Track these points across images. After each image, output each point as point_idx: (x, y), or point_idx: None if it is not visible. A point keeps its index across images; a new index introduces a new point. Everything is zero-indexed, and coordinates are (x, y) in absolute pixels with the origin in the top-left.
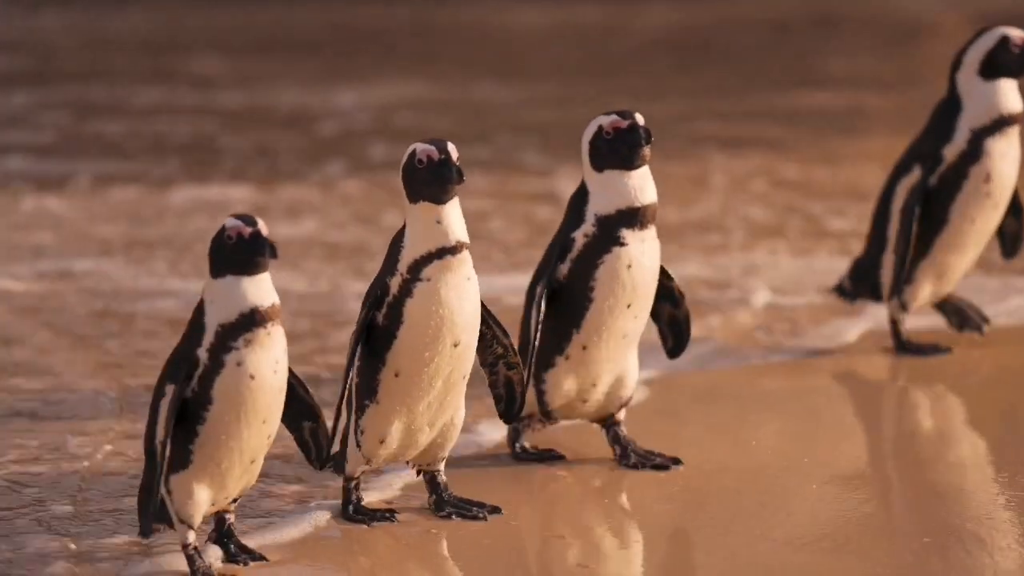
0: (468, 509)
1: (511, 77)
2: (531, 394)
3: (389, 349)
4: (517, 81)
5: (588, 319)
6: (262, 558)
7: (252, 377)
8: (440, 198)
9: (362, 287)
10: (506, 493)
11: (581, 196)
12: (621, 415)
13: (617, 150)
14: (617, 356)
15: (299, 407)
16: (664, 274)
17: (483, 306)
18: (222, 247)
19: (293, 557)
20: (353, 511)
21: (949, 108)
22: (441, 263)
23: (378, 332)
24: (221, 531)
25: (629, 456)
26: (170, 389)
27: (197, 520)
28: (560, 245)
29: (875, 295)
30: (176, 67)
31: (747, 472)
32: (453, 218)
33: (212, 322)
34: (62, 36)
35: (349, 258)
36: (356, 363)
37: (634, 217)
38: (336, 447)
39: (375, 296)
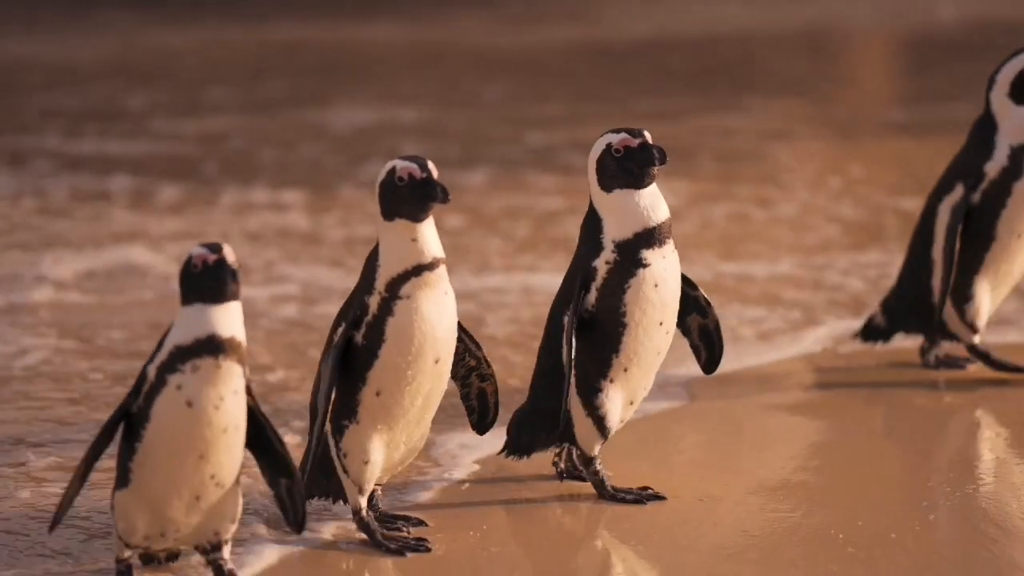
0: (394, 522)
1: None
2: (584, 427)
3: (370, 368)
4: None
5: (626, 343)
6: None
7: (189, 404)
8: (418, 216)
9: None
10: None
11: (594, 221)
12: None
13: (627, 169)
14: (651, 374)
15: (274, 462)
16: (688, 284)
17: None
18: (189, 275)
19: None
20: (382, 539)
21: (986, 126)
22: (419, 279)
23: (357, 352)
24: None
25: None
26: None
27: (133, 540)
28: (582, 275)
29: (922, 324)
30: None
31: (671, 483)
32: (429, 235)
33: (169, 342)
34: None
35: None
36: (327, 385)
37: (652, 237)
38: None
39: (353, 316)
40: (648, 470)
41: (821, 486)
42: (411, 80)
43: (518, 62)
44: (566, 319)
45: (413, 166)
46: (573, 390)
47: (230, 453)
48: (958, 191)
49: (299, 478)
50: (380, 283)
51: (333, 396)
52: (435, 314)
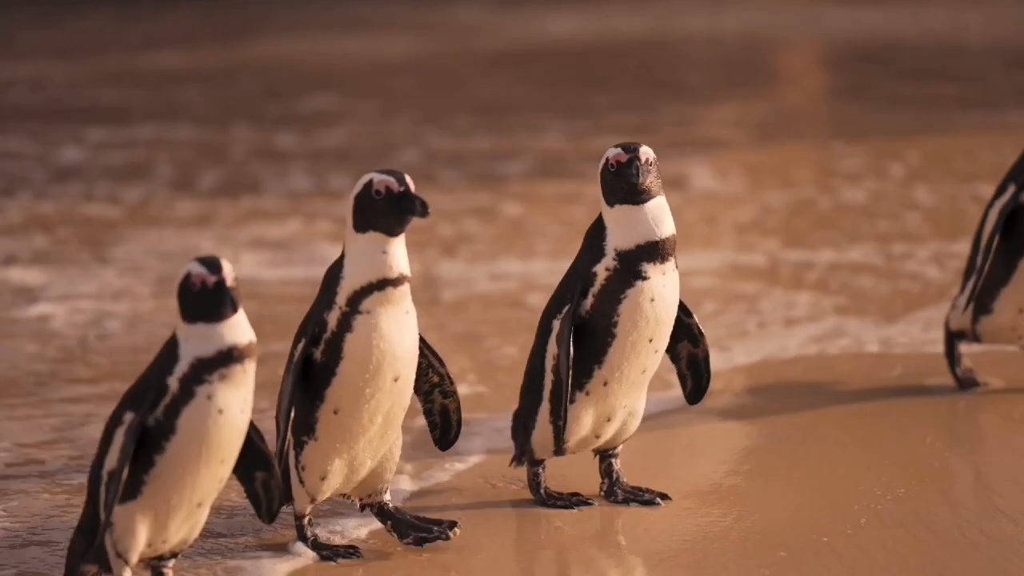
0: (428, 531)
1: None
2: (544, 432)
3: (328, 386)
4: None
5: (611, 354)
6: None
7: (220, 412)
8: (395, 230)
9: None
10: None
11: (599, 229)
12: (619, 448)
13: (620, 185)
14: (634, 392)
15: (253, 455)
16: (684, 310)
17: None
18: (188, 294)
19: None
20: (313, 546)
21: None
22: (382, 295)
23: (315, 368)
24: None
25: (616, 492)
26: (129, 416)
27: (134, 558)
28: (582, 280)
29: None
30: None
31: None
32: (399, 251)
33: (187, 354)
34: None
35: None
36: (287, 402)
37: (654, 251)
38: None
39: (312, 332)
40: (581, 472)
41: (753, 491)
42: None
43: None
44: (556, 322)
45: (391, 179)
46: (548, 394)
47: (238, 451)
48: (1008, 192)
49: (277, 472)
50: (341, 297)
51: (293, 414)
52: (395, 332)
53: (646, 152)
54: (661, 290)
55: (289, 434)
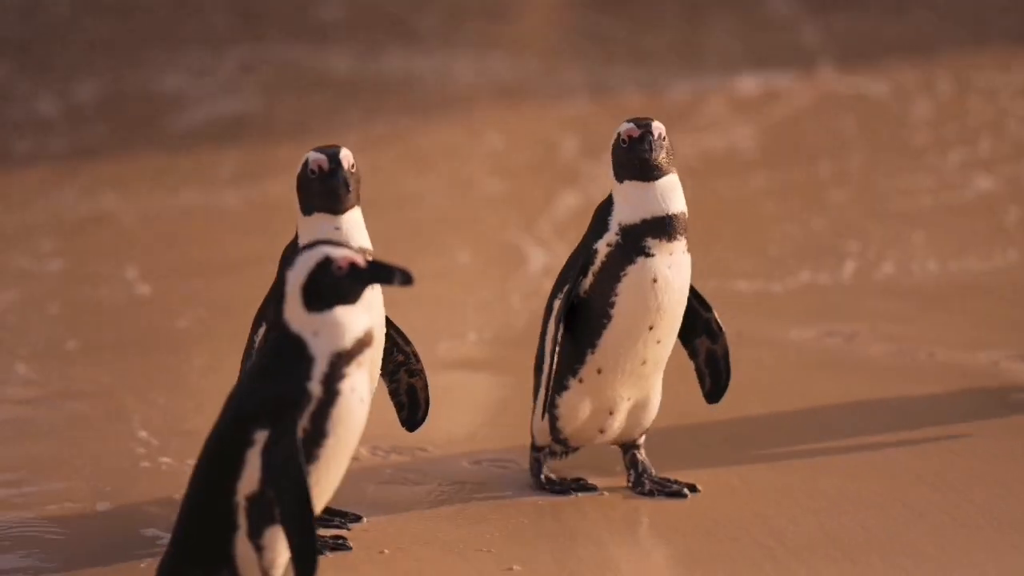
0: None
1: None
2: (544, 421)
3: None
4: None
5: (606, 338)
6: None
7: (362, 401)
8: (335, 208)
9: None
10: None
11: (607, 206)
12: (642, 439)
13: (631, 160)
14: (636, 384)
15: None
16: (702, 304)
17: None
18: (327, 280)
19: None
20: None
21: None
22: None
23: None
24: None
25: (643, 483)
26: (263, 435)
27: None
28: (583, 257)
29: None
30: None
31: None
32: (352, 225)
33: (325, 352)
34: None
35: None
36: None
37: (661, 227)
38: None
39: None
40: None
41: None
42: None
43: None
44: (557, 301)
45: (322, 157)
46: (545, 377)
47: None
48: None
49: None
50: None
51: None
52: (359, 310)
53: (658, 127)
54: (666, 271)
55: None
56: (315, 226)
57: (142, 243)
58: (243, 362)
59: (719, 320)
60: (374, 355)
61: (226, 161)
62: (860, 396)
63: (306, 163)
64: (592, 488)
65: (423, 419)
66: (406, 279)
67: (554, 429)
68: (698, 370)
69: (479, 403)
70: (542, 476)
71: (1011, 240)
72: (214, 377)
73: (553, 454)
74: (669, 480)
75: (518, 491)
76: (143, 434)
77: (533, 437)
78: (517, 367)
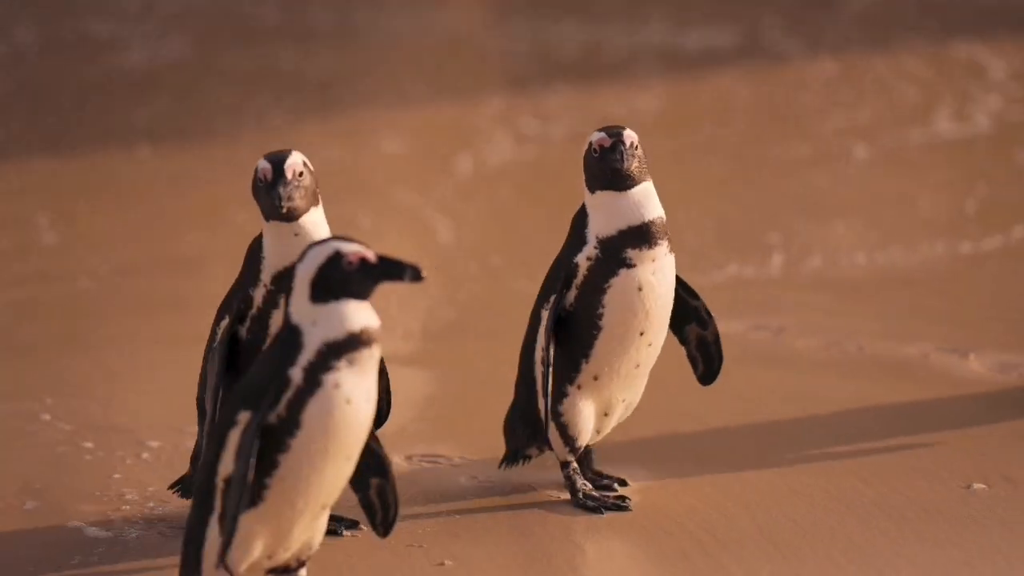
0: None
1: None
2: (553, 431)
3: (253, 360)
4: None
5: (598, 348)
6: None
7: (348, 402)
8: (286, 218)
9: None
10: None
11: (582, 217)
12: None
13: (603, 171)
14: (630, 385)
15: (368, 458)
16: (690, 293)
17: None
18: (332, 274)
19: None
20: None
21: None
22: None
23: (241, 346)
24: None
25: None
26: (246, 416)
27: (241, 570)
28: (564, 271)
29: None
30: None
31: None
32: (311, 228)
33: (314, 341)
34: None
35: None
36: (214, 381)
37: (639, 236)
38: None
39: (237, 309)
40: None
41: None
42: None
43: None
44: (545, 312)
45: (267, 167)
46: (539, 388)
47: (361, 449)
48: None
49: (393, 478)
50: (265, 276)
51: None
52: None
53: (630, 136)
54: (650, 278)
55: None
56: (274, 232)
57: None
58: (206, 352)
59: (707, 308)
60: (373, 361)
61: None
62: (790, 390)
63: (256, 171)
64: (626, 508)
65: (384, 420)
66: (416, 275)
67: (567, 438)
68: (690, 356)
69: (408, 399)
70: (579, 493)
71: (937, 232)
72: (137, 370)
73: (527, 457)
74: (603, 474)
75: (448, 486)
76: (65, 427)
77: (556, 455)
78: (444, 362)
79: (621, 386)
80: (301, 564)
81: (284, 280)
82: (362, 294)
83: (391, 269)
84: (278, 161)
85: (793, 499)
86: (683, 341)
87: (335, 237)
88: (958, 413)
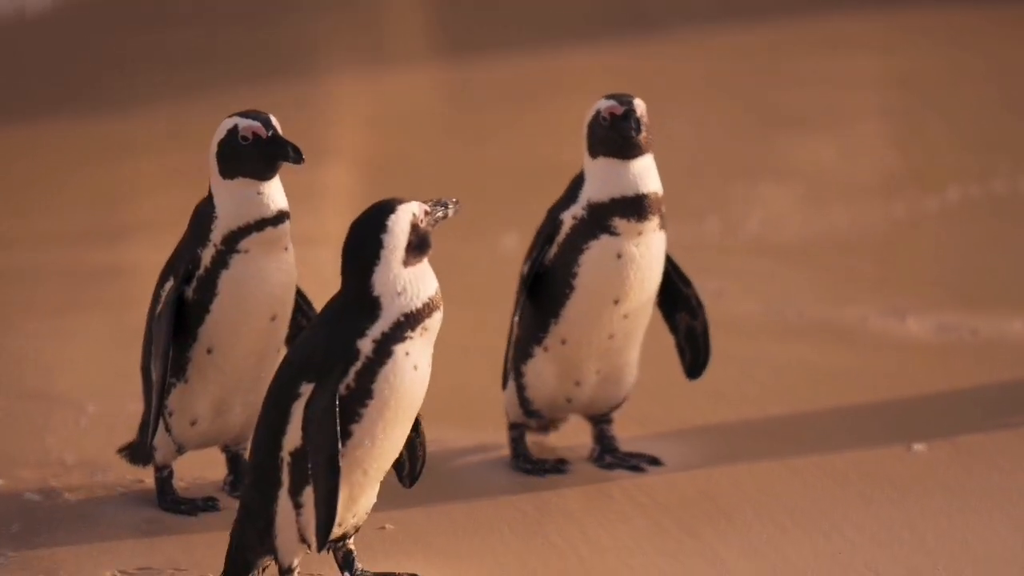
0: None
1: None
2: (511, 390)
3: (201, 324)
4: None
5: (568, 309)
6: None
7: (416, 368)
8: (265, 175)
9: None
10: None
11: (578, 179)
12: (612, 414)
13: (612, 139)
14: (604, 357)
15: None
16: (682, 279)
17: None
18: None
19: None
20: (172, 502)
21: None
22: (261, 235)
23: (187, 307)
24: (351, 567)
25: (603, 458)
26: (309, 388)
27: (326, 541)
28: (549, 227)
29: None
30: None
31: None
32: (274, 188)
33: (392, 313)
34: None
35: None
36: (163, 345)
37: (630, 206)
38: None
39: (184, 270)
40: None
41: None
42: None
43: None
44: (525, 267)
45: (256, 124)
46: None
47: None
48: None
49: (423, 432)
50: (216, 235)
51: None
52: (274, 270)
53: (640, 105)
54: (632, 249)
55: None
56: (236, 191)
57: None
58: (149, 314)
59: (699, 296)
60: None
61: None
62: (732, 354)
63: (235, 129)
64: (564, 471)
65: None
66: (457, 207)
67: (523, 399)
68: (678, 345)
69: None
70: (520, 457)
71: (874, 197)
72: (72, 337)
73: (529, 429)
74: (632, 455)
75: None
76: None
77: (507, 415)
78: None
79: (593, 355)
80: (356, 531)
81: (236, 239)
82: (425, 254)
83: (428, 236)
84: (266, 117)
85: (736, 463)
86: (673, 329)
87: (390, 201)
88: (897, 375)
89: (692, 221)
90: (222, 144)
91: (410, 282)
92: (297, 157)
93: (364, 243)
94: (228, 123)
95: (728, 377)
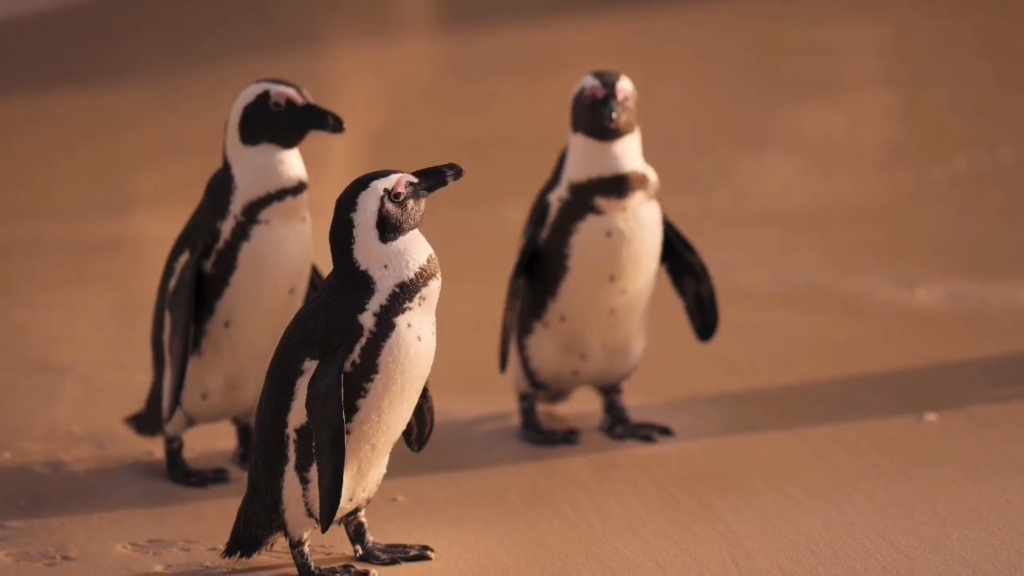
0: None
1: None
2: (515, 364)
3: (219, 297)
4: None
5: (564, 288)
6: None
7: (419, 339)
8: (292, 142)
9: None
10: None
11: (563, 156)
12: (622, 384)
13: (592, 120)
14: (608, 331)
15: None
16: (685, 246)
17: None
18: (389, 216)
19: None
20: (182, 474)
21: None
22: (281, 205)
23: (205, 280)
24: (363, 539)
25: (614, 428)
26: (312, 364)
27: (336, 516)
28: (540, 209)
29: None
30: None
31: None
32: (295, 158)
33: (387, 284)
34: None
35: None
36: (183, 321)
37: (611, 186)
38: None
39: (203, 243)
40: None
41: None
42: None
43: None
44: (520, 250)
45: (291, 91)
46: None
47: None
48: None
49: (430, 396)
50: (236, 206)
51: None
52: (292, 240)
53: (623, 88)
54: (622, 226)
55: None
56: (259, 158)
57: None
58: (161, 287)
59: (703, 261)
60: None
61: None
62: (741, 324)
63: (266, 95)
64: (575, 442)
65: None
66: (458, 174)
67: (528, 371)
68: (688, 310)
69: None
70: (530, 427)
71: (880, 167)
72: (76, 310)
73: (538, 400)
74: (643, 425)
75: None
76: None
77: (516, 386)
78: None
79: (595, 330)
80: (367, 503)
81: (256, 209)
82: (415, 224)
83: (432, 177)
84: (296, 85)
85: (746, 433)
86: (681, 295)
87: (372, 174)
88: (907, 345)
89: (700, 192)
90: (249, 108)
91: (396, 255)
92: (337, 126)
93: (339, 222)
94: (257, 88)
95: (737, 347)
